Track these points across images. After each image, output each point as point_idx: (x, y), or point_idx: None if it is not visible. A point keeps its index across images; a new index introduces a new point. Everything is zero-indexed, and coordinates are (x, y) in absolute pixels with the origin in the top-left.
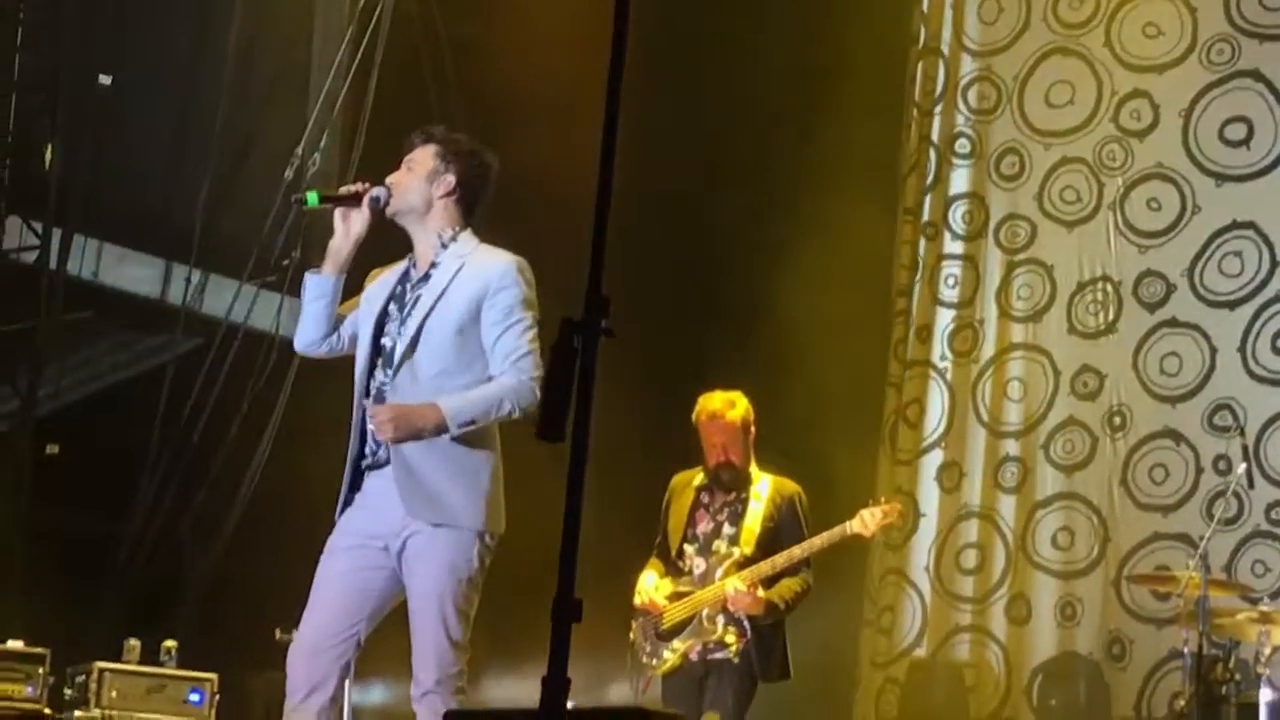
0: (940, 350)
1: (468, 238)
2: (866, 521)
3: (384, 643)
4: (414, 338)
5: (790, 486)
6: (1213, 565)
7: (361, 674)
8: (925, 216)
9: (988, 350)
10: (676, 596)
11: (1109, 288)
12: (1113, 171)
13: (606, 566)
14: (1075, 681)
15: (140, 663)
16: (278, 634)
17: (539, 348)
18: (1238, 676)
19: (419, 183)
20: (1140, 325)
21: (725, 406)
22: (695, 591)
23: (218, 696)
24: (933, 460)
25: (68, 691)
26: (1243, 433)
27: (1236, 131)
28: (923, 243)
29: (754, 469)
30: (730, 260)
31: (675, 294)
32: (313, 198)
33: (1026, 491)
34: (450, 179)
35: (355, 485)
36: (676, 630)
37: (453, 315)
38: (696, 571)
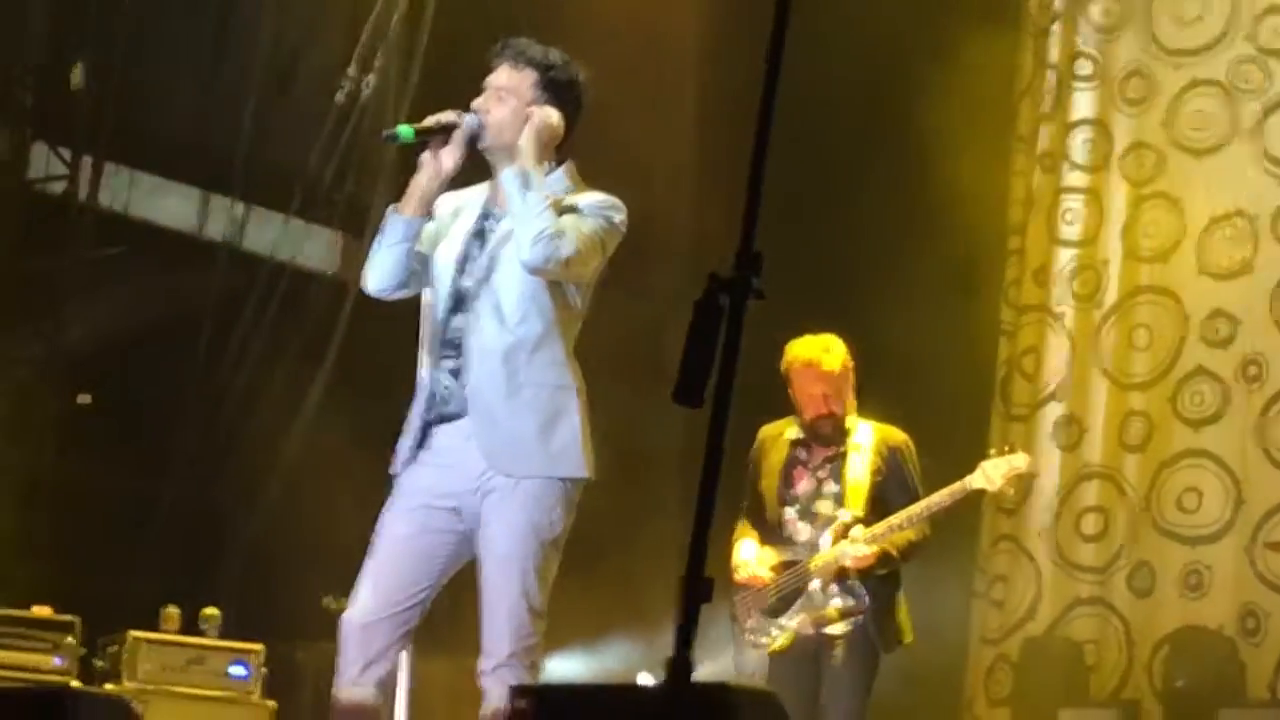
0: (1059, 294)
1: (564, 174)
2: (990, 474)
3: (444, 611)
4: (502, 282)
5: (896, 435)
6: None
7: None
8: (1041, 146)
9: (1110, 294)
10: (783, 567)
11: (1244, 223)
12: (1249, 94)
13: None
14: (1203, 659)
15: (179, 632)
16: (327, 602)
17: (591, 245)
18: None
19: (516, 118)
20: (1278, 264)
21: (821, 352)
22: (803, 561)
23: (264, 670)
24: (1050, 414)
25: (98, 663)
26: None
27: None
28: (1038, 174)
29: (852, 417)
30: (832, 196)
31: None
32: (406, 131)
33: (1152, 449)
34: (554, 116)
35: (422, 440)
36: (785, 604)
37: None
38: (801, 538)
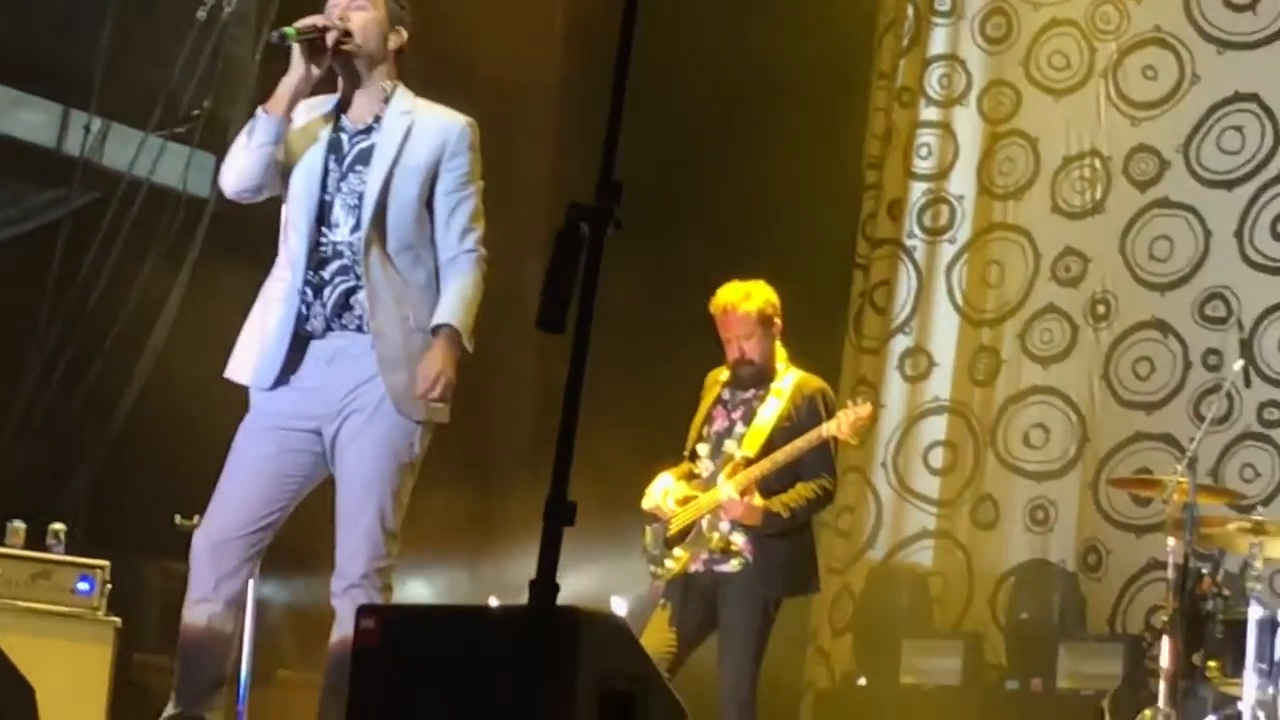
0: (910, 227)
1: (405, 92)
2: (842, 423)
3: (293, 531)
4: (375, 209)
5: (813, 383)
6: (1198, 469)
7: (266, 565)
8: (900, 81)
9: (964, 230)
10: (685, 501)
11: (1097, 163)
12: (1106, 36)
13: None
14: (1046, 592)
15: (25, 547)
16: (177, 520)
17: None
18: (1225, 591)
19: (379, 28)
20: (1130, 205)
21: (740, 298)
22: (699, 496)
23: (109, 585)
24: (897, 347)
25: None
26: (1240, 325)
27: None
28: (896, 109)
29: (781, 364)
30: (692, 132)
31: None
32: (290, 32)
33: (999, 384)
34: (404, 32)
35: (286, 362)
36: (681, 537)
37: (413, 182)
38: (705, 474)
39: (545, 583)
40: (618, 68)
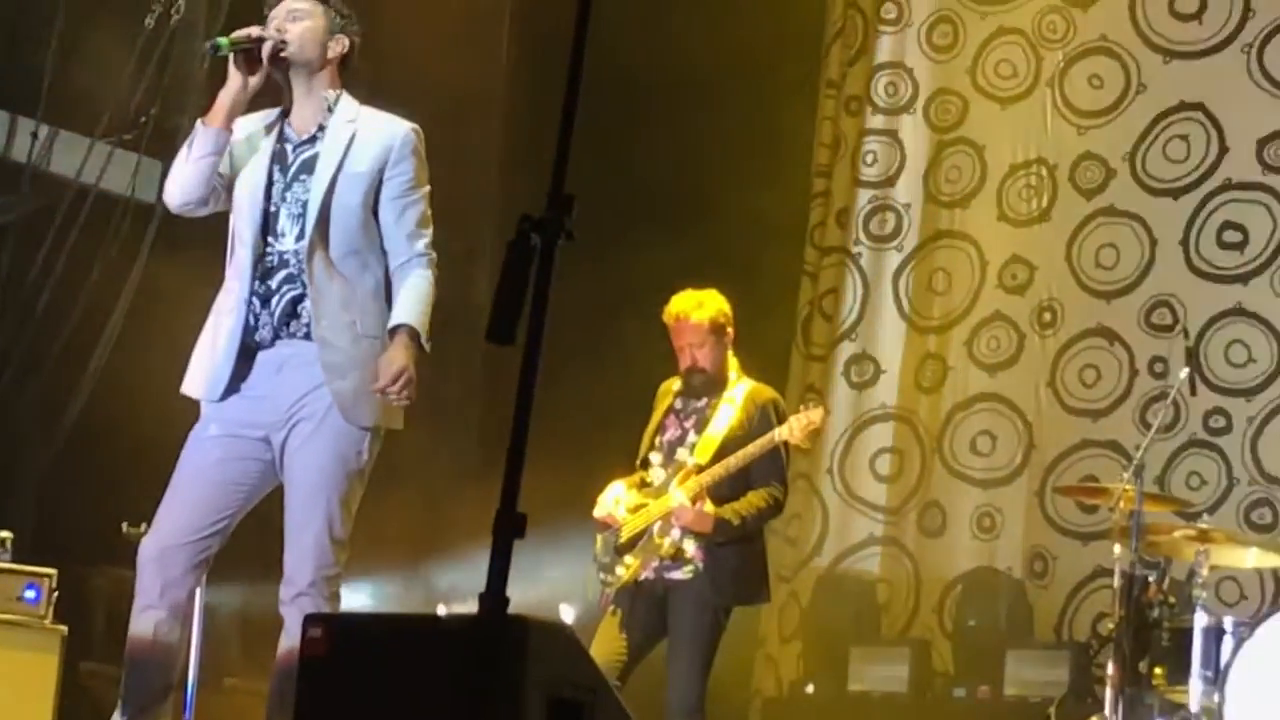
0: (857, 234)
1: (348, 100)
2: (794, 428)
3: (242, 539)
4: (319, 216)
5: (766, 393)
6: (1145, 476)
7: (213, 573)
8: (847, 90)
9: (911, 238)
10: (637, 509)
11: (1043, 171)
12: (1053, 44)
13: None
14: (993, 599)
15: None
16: (125, 528)
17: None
18: (1171, 599)
19: (317, 37)
20: (1076, 213)
21: (692, 307)
22: (650, 503)
23: (55, 594)
24: (844, 354)
25: None
26: (1186, 334)
27: (1188, 4)
28: (845, 118)
29: (734, 374)
30: (646, 142)
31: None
32: (224, 42)
33: (946, 392)
34: (344, 40)
35: (236, 372)
36: (632, 545)
37: (357, 189)
38: (657, 482)
39: (495, 596)
40: (570, 78)
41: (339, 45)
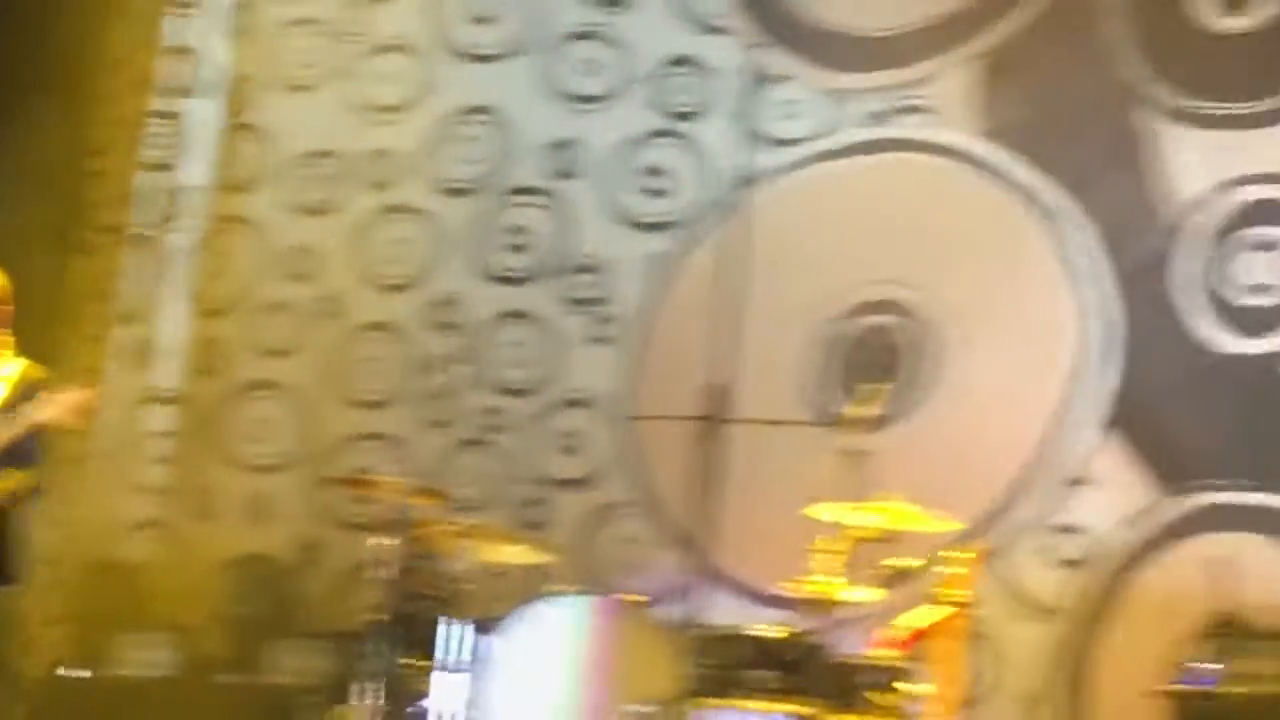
0: (139, 217)
1: None
2: (54, 408)
3: None
4: None
5: (36, 371)
6: (419, 470)
7: None
8: (134, 69)
9: (195, 222)
10: None
11: (333, 163)
12: (351, 38)
13: None
14: (264, 586)
15: None
16: None
17: None
18: (437, 592)
19: None
20: (364, 207)
21: None
22: None
23: None
24: (122, 336)
25: None
26: (468, 332)
27: (485, 8)
28: (129, 98)
29: (7, 352)
30: None
31: None
32: None
33: (224, 377)
34: None
35: None
36: None
37: None
38: None
39: None
40: None
41: None
